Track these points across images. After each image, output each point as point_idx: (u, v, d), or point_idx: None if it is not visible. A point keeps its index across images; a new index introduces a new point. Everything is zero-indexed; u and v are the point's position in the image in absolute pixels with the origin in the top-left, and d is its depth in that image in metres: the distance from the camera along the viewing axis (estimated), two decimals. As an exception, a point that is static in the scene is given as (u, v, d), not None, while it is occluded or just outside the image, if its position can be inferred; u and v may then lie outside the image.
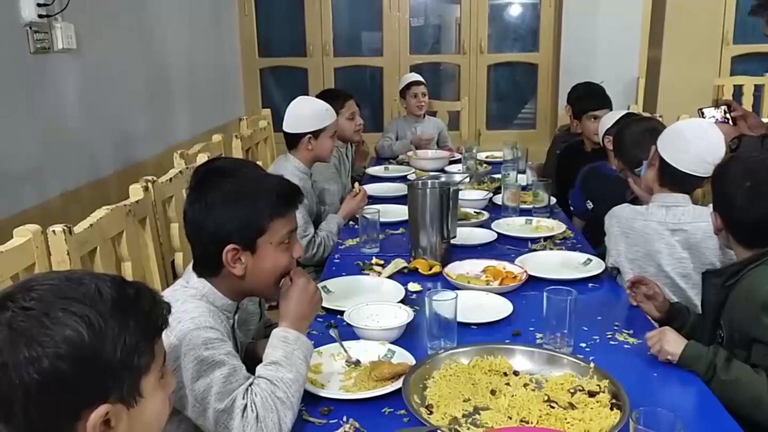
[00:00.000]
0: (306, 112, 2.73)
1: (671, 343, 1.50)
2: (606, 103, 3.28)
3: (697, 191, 2.21)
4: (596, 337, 1.65)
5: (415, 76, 4.36)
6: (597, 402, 1.30)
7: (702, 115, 2.41)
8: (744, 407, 1.41)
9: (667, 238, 1.94)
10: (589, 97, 3.35)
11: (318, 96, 3.42)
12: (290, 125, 2.72)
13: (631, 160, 2.35)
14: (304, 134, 2.68)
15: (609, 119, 2.88)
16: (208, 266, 1.39)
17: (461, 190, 2.82)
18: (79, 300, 0.82)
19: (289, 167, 2.67)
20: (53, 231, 1.62)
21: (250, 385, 1.29)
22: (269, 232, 1.38)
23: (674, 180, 1.95)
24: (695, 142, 1.89)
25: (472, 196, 2.91)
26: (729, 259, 1.81)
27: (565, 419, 1.26)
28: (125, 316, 0.84)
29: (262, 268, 1.39)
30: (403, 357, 1.51)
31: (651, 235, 1.96)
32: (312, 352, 1.41)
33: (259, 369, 1.33)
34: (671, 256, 1.95)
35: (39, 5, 2.42)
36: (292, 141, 2.72)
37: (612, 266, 2.08)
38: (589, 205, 2.88)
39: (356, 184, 2.94)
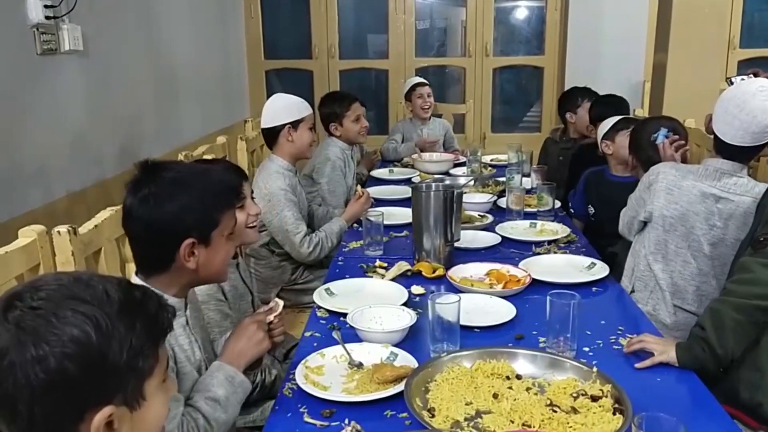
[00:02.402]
0: (281, 105, 2.75)
1: (664, 353, 1.53)
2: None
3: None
4: (599, 342, 1.65)
5: (419, 79, 4.37)
6: (600, 406, 1.29)
7: (731, 83, 2.39)
8: (741, 326, 1.53)
9: (710, 204, 1.95)
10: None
11: (323, 98, 3.44)
12: (268, 120, 2.74)
13: (647, 160, 2.34)
14: (283, 126, 2.69)
15: (606, 125, 2.87)
16: (157, 263, 1.36)
17: (465, 193, 2.82)
18: (87, 301, 0.82)
19: (274, 167, 2.68)
20: (58, 231, 1.62)
21: (184, 415, 1.30)
22: (222, 225, 1.39)
23: (727, 151, 1.95)
24: (738, 115, 1.87)
25: (476, 199, 2.91)
26: None
27: (568, 423, 1.26)
28: (132, 319, 0.84)
29: (214, 260, 1.39)
30: (406, 360, 1.51)
31: (696, 197, 1.97)
32: (248, 391, 1.44)
33: (199, 401, 1.35)
34: (707, 221, 1.97)
35: (46, 7, 2.43)
36: (272, 137, 2.73)
37: (644, 219, 2.11)
38: (591, 210, 2.87)
39: (358, 187, 2.95)
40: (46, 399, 0.79)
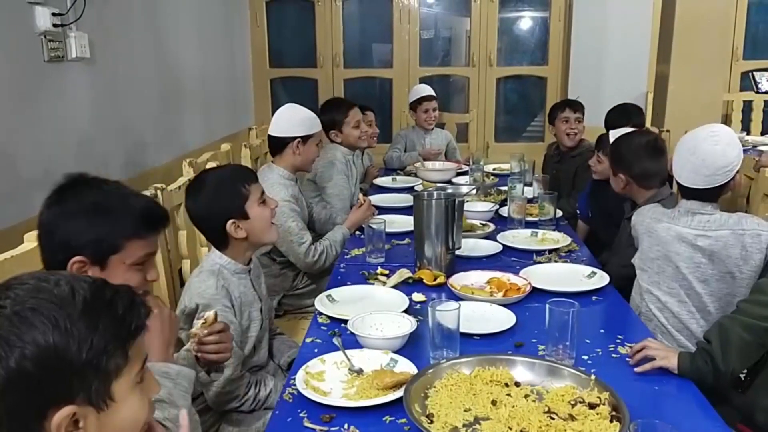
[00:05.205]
0: (296, 118, 2.76)
1: (665, 359, 1.54)
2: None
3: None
4: (598, 350, 1.65)
5: (427, 90, 4.36)
6: (597, 414, 1.30)
7: (755, 81, 2.43)
8: (747, 346, 1.53)
9: (689, 243, 1.96)
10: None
11: (323, 106, 3.47)
12: (280, 129, 2.73)
13: (642, 173, 2.36)
14: (293, 139, 2.70)
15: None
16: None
17: (468, 201, 2.84)
18: (50, 300, 0.83)
19: (274, 176, 2.69)
20: (63, 236, 1.63)
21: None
22: (124, 252, 1.33)
23: (687, 192, 1.98)
24: (689, 158, 1.94)
25: (478, 207, 2.92)
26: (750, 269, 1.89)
27: (565, 430, 1.27)
28: (95, 319, 0.84)
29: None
30: (406, 366, 1.52)
31: (672, 238, 1.99)
32: (193, 378, 1.35)
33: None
34: (691, 260, 1.97)
35: (54, 14, 2.46)
36: (279, 146, 2.73)
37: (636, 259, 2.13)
38: (590, 214, 2.91)
39: (360, 195, 2.97)
40: (7, 397, 0.80)
